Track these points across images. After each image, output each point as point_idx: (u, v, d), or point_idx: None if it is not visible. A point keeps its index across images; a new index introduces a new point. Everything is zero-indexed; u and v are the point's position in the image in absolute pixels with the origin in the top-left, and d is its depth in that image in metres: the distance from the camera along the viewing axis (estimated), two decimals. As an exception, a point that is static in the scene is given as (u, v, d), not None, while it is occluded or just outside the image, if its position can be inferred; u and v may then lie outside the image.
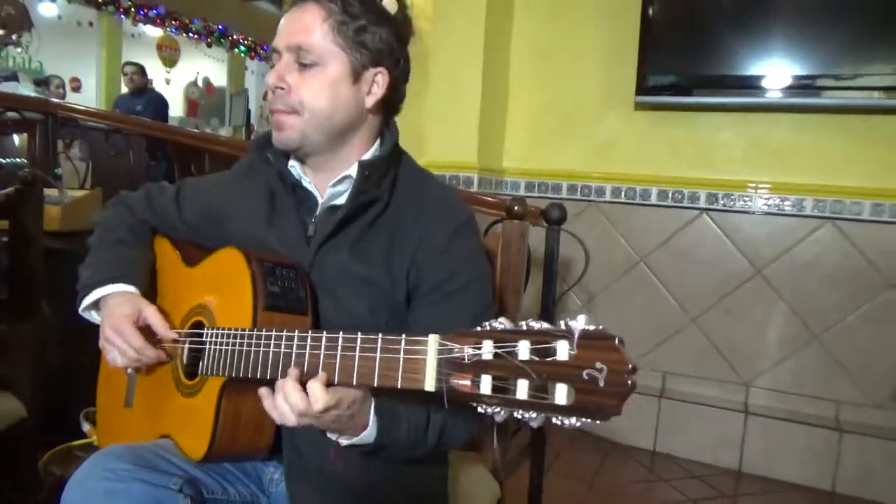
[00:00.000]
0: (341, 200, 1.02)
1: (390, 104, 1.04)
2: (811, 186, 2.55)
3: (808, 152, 2.57)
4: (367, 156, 1.02)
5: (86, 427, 2.12)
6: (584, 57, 2.89)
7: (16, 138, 3.96)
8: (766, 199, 2.62)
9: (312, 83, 0.96)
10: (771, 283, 2.63)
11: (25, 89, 5.67)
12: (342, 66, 0.97)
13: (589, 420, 0.60)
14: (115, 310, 1.02)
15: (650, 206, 2.80)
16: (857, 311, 2.50)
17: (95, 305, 1.06)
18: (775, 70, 2.49)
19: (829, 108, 2.50)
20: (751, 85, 2.54)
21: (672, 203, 2.76)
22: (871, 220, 2.47)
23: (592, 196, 2.91)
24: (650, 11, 2.62)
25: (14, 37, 1.56)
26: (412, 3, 3.34)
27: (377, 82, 0.99)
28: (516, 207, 1.37)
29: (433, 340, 0.70)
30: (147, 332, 1.02)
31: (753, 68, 2.52)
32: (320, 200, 1.04)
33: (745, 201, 2.65)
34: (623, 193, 2.85)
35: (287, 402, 0.78)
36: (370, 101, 1.00)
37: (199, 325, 1.01)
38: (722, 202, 2.68)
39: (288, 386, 0.78)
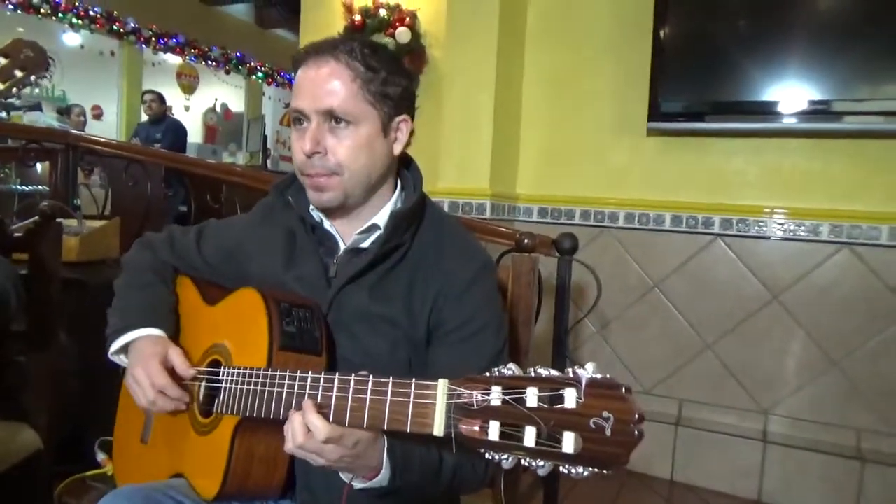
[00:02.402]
0: (365, 244, 1.04)
1: (406, 145, 1.07)
2: (827, 211, 2.52)
3: (824, 177, 2.55)
4: (392, 203, 1.05)
5: (101, 457, 2.13)
6: (596, 83, 2.91)
7: (38, 166, 4.05)
8: (781, 224, 2.60)
9: (349, 144, 0.98)
10: (788, 308, 2.59)
11: (48, 118, 5.80)
12: (374, 122, 0.99)
13: (596, 470, 0.60)
14: (144, 350, 1.03)
15: (664, 231, 2.79)
16: (877, 336, 2.46)
17: (124, 350, 1.08)
18: (790, 95, 2.47)
19: (844, 133, 2.49)
20: (765, 110, 2.53)
21: (686, 228, 2.75)
22: (889, 244, 2.44)
23: (606, 222, 2.90)
24: (662, 36, 2.63)
25: (33, 78, 1.60)
26: (425, 32, 3.39)
27: (401, 129, 1.03)
28: (526, 240, 1.37)
29: (442, 385, 0.70)
30: (171, 373, 1.03)
31: (767, 93, 2.51)
32: (342, 244, 1.06)
33: (760, 226, 2.63)
34: (636, 219, 2.84)
35: (290, 430, 0.79)
36: (397, 149, 1.03)
37: (217, 363, 1.02)
38: (737, 227, 2.66)
39: (295, 417, 0.80)
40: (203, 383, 1.03)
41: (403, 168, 1.10)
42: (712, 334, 2.72)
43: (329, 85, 0.96)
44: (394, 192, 1.07)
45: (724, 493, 2.63)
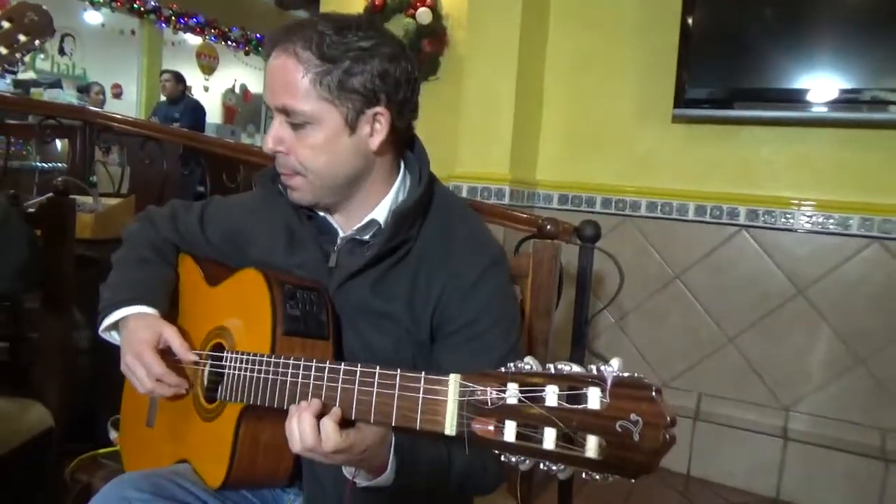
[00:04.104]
0: (366, 237, 0.98)
1: (400, 134, 0.96)
2: (857, 204, 2.45)
3: (854, 168, 2.47)
4: (393, 195, 0.98)
5: (113, 435, 2.13)
6: (621, 68, 2.84)
7: (58, 143, 4.06)
8: (809, 216, 2.52)
9: (307, 144, 0.90)
10: (813, 303, 2.53)
11: (68, 96, 5.82)
12: (334, 120, 0.89)
13: (619, 477, 0.55)
14: (134, 335, 0.99)
15: (687, 221, 2.72)
16: (905, 334, 2.39)
17: (116, 326, 1.04)
18: (820, 83, 2.40)
19: (876, 123, 2.40)
20: (794, 98, 2.46)
21: (710, 219, 2.68)
22: (922, 240, 2.36)
23: (627, 210, 2.84)
24: (690, 22, 2.56)
25: (37, 42, 1.55)
26: (447, 13, 3.33)
27: (378, 121, 0.91)
28: (548, 226, 1.33)
29: (454, 381, 0.65)
30: (167, 353, 0.99)
31: (797, 81, 2.44)
32: (340, 233, 1.01)
33: (787, 218, 2.56)
34: (659, 208, 2.78)
35: (299, 432, 0.74)
36: (375, 143, 0.92)
37: (220, 347, 0.99)
38: (763, 219, 2.59)
39: (305, 417, 0.74)
40: (207, 368, 0.99)
41: (408, 150, 1.01)
42: (734, 328, 2.66)
43: (280, 80, 0.88)
44: (393, 183, 0.98)
45: (741, 490, 2.58)
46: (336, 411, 0.74)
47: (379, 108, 0.90)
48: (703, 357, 2.72)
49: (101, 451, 2.11)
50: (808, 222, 2.53)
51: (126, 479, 0.92)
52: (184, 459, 1.01)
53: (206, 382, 0.99)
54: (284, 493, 1.04)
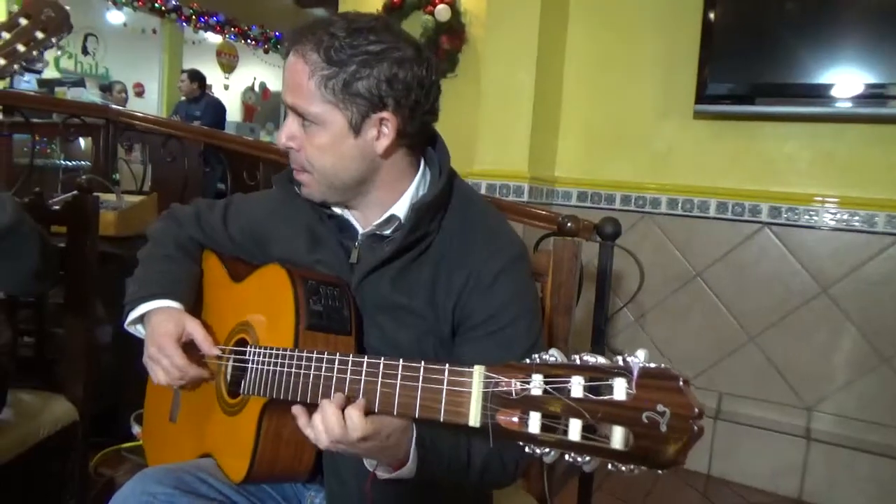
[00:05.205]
0: (386, 231, 0.99)
1: (413, 136, 0.95)
2: (883, 201, 2.40)
3: (880, 165, 2.43)
4: (413, 190, 0.98)
5: (136, 429, 2.17)
6: (641, 63, 2.81)
7: (81, 142, 4.12)
8: (833, 213, 2.48)
9: (314, 143, 0.91)
10: (837, 302, 2.49)
11: (91, 94, 5.89)
12: (339, 122, 0.89)
13: (646, 468, 0.54)
14: (158, 327, 1.01)
15: (708, 218, 2.69)
16: (931, 334, 2.35)
17: (141, 320, 1.06)
18: (844, 78, 2.36)
19: (903, 119, 2.36)
20: (818, 94, 2.42)
21: (732, 216, 2.65)
22: (949, 237, 2.32)
23: (647, 207, 2.82)
24: (712, 16, 2.53)
25: (54, 40, 1.56)
26: (465, 10, 3.32)
27: (385, 125, 0.91)
28: (569, 224, 1.32)
29: (478, 372, 0.65)
30: (191, 347, 1.01)
31: (821, 76, 2.40)
32: (360, 229, 1.01)
33: (810, 216, 2.52)
34: (679, 205, 2.75)
35: (324, 425, 0.75)
36: (381, 147, 0.92)
37: (243, 342, 0.99)
38: (785, 216, 2.56)
39: (328, 410, 0.75)
40: (230, 363, 1.00)
41: (430, 146, 1.01)
42: (756, 326, 2.63)
43: (291, 80, 0.90)
44: (412, 179, 0.98)
45: (762, 490, 2.55)
46: (360, 401, 0.74)
47: (384, 114, 0.90)
48: (724, 356, 2.69)
49: (125, 445, 2.15)
50: (832, 219, 2.49)
51: (149, 474, 0.93)
52: (207, 454, 1.02)
53: (229, 377, 1.00)
54: (306, 489, 1.05)
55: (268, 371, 0.89)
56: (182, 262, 1.12)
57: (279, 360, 0.87)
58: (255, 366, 0.92)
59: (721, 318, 2.69)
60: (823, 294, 2.51)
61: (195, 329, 1.00)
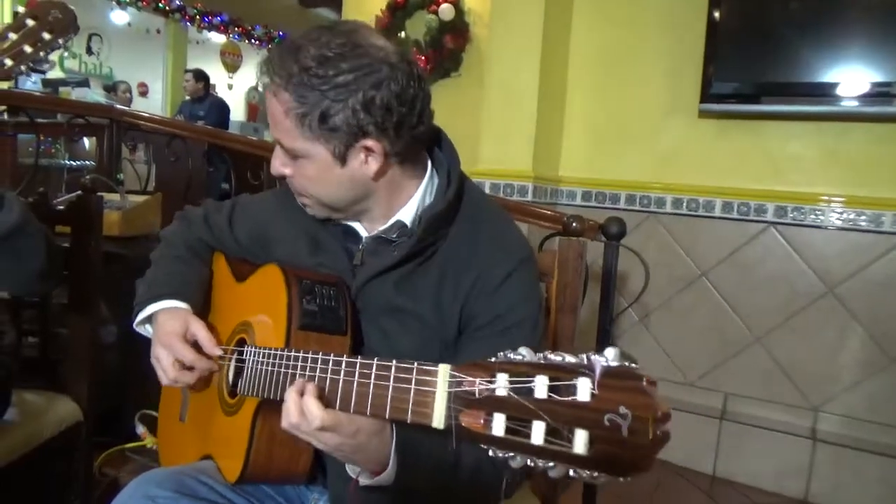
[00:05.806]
0: (392, 236, 0.98)
1: (402, 154, 0.91)
2: (890, 200, 2.39)
3: (887, 164, 2.41)
4: (420, 195, 0.96)
5: (140, 430, 2.16)
6: (646, 63, 2.80)
7: (86, 141, 4.12)
8: (839, 213, 2.47)
9: (304, 174, 0.92)
10: (844, 302, 2.47)
11: (95, 94, 5.90)
12: (323, 155, 0.88)
13: (607, 476, 0.50)
14: (164, 326, 1.01)
15: (714, 218, 2.68)
16: (939, 334, 2.34)
17: (149, 320, 1.07)
18: (850, 77, 2.34)
19: (909, 118, 2.34)
20: (824, 92, 2.40)
21: (737, 216, 2.64)
22: (956, 237, 2.30)
23: (652, 207, 2.81)
24: (717, 15, 2.52)
25: (61, 41, 1.55)
26: (469, 10, 3.31)
27: (371, 152, 0.88)
28: (574, 223, 1.31)
29: (444, 370, 0.62)
30: (195, 347, 1.01)
31: (826, 75, 2.38)
32: (364, 234, 1.01)
33: (816, 215, 2.51)
34: (685, 205, 2.74)
35: (283, 409, 0.74)
36: (371, 172, 0.90)
37: (243, 342, 0.99)
38: (791, 216, 2.54)
39: (288, 396, 0.74)
40: (231, 363, 1.00)
41: (436, 147, 1.00)
42: (762, 327, 2.62)
43: (270, 116, 0.90)
44: (418, 185, 0.96)
45: (768, 491, 2.54)
46: (311, 387, 0.73)
47: (368, 141, 0.87)
48: (730, 356, 2.68)
49: (129, 445, 2.15)
50: (838, 219, 2.47)
51: (150, 477, 0.93)
52: (208, 455, 1.02)
53: (230, 377, 1.00)
54: (309, 491, 1.04)
55: (261, 371, 0.88)
56: (191, 263, 1.13)
57: (270, 360, 0.87)
58: (250, 366, 0.92)
59: (726, 318, 2.68)
60: (830, 294, 2.50)
61: (199, 329, 1.00)
